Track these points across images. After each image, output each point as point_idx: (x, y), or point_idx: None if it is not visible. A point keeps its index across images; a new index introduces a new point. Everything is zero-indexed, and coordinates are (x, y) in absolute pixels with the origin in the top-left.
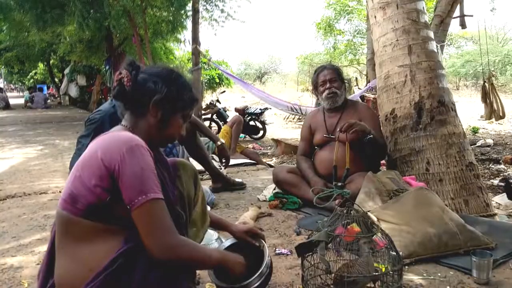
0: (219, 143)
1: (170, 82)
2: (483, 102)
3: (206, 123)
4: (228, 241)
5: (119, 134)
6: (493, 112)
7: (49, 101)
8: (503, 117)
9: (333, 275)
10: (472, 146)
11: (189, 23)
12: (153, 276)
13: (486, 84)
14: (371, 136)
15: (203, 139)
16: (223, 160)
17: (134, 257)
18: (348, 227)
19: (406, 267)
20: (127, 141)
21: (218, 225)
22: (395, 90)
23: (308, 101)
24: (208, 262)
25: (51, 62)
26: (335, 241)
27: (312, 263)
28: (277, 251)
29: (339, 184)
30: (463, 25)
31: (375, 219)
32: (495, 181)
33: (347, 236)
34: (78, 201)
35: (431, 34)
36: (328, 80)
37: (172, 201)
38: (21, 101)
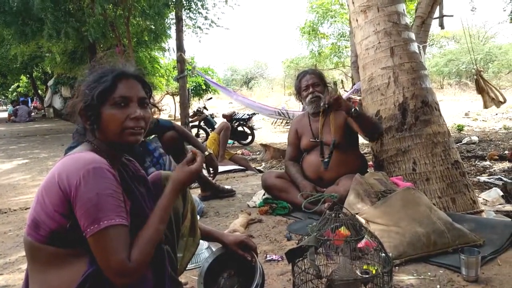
0: (206, 153)
1: (79, 86)
2: (479, 93)
3: (194, 130)
4: (218, 249)
5: (78, 156)
6: (493, 100)
7: (33, 114)
8: (504, 102)
9: (323, 280)
10: (458, 144)
11: (173, 32)
12: None
13: (478, 77)
14: (356, 109)
15: (191, 147)
16: (211, 171)
17: (101, 279)
18: (337, 231)
19: (397, 267)
20: (86, 164)
21: (209, 237)
22: (379, 92)
23: (295, 105)
24: (164, 220)
25: (34, 74)
26: (325, 245)
27: (303, 268)
28: (268, 258)
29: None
30: (441, 25)
31: (363, 221)
32: (482, 178)
33: (337, 240)
34: (40, 227)
35: (412, 36)
36: (311, 84)
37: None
38: (4, 115)
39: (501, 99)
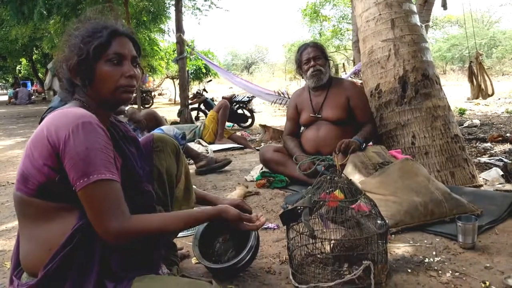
0: None
1: (69, 39)
2: (470, 82)
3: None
4: None
5: (68, 111)
6: (481, 91)
7: (33, 97)
8: (491, 95)
9: (318, 244)
10: (460, 127)
11: (172, 13)
12: (114, 252)
13: (473, 65)
14: (363, 144)
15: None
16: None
17: (91, 232)
18: (332, 193)
19: (393, 235)
20: (75, 119)
21: (204, 201)
22: (379, 65)
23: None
24: (180, 223)
25: (33, 57)
26: (320, 211)
27: (298, 230)
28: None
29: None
30: (444, 5)
31: (359, 186)
32: (482, 159)
33: (331, 201)
34: (29, 181)
35: (414, 8)
36: (312, 57)
37: (140, 178)
38: (5, 98)
39: (489, 91)
